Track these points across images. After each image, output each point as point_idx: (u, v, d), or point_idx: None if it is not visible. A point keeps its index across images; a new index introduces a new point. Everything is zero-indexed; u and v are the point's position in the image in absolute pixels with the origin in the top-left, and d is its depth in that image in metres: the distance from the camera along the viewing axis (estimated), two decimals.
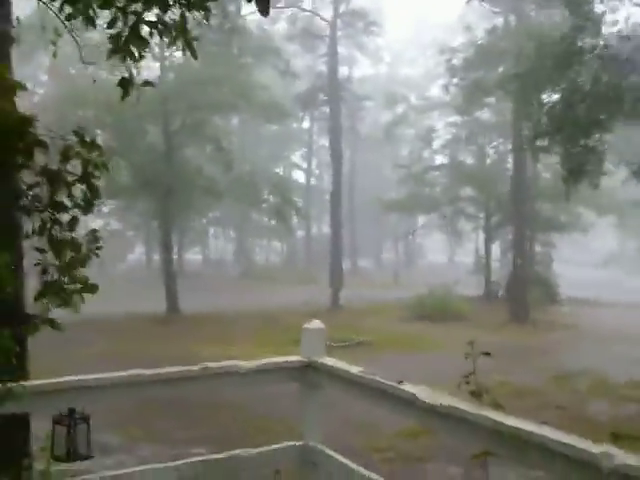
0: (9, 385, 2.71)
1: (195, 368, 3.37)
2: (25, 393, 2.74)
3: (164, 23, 3.36)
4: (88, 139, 2.66)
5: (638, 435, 2.22)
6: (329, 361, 3.54)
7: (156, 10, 3.36)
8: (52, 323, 2.66)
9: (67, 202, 2.63)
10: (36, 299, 2.66)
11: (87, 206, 2.66)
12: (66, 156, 2.59)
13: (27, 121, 2.53)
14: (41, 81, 34.19)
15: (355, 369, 3.32)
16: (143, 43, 3.39)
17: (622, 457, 1.98)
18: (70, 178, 2.60)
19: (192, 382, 3.40)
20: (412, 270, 52.10)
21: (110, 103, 21.91)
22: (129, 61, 3.45)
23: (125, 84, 3.43)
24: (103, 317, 18.30)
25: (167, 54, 25.45)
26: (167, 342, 16.82)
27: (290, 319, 18.01)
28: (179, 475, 3.28)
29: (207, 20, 3.53)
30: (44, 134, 2.61)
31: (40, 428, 3.95)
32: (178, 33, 3.40)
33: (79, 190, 2.67)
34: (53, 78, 28.91)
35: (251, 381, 3.74)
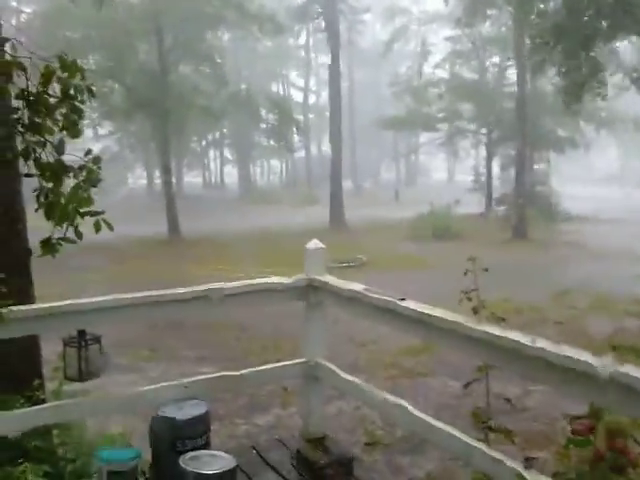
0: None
1: (200, 289, 3.40)
2: (7, 318, 2.77)
3: None
4: (70, 61, 2.59)
5: (637, 348, 2.25)
6: (330, 279, 3.57)
7: None
8: (70, 240, 2.67)
9: (52, 126, 2.59)
10: (48, 218, 2.67)
11: (72, 128, 2.63)
12: (47, 79, 2.54)
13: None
14: None
15: (357, 286, 3.35)
16: None
17: (620, 367, 2.02)
18: (52, 101, 2.55)
19: (197, 303, 3.43)
20: (413, 189, 51.96)
21: (99, 21, 21.38)
22: None
23: None
24: (105, 241, 18.35)
25: None
26: (169, 264, 16.98)
27: (291, 240, 18.10)
28: (188, 392, 3.36)
29: None
30: (24, 56, 2.55)
31: (53, 352, 4.05)
32: None
33: (61, 114, 2.63)
34: None
35: (253, 301, 3.79)
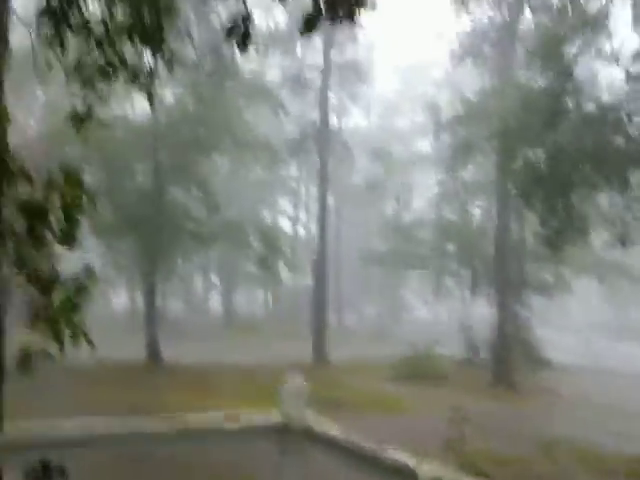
0: None
1: (172, 426, 3.24)
2: None
3: (125, 62, 3.35)
4: (71, 175, 2.59)
5: None
6: (308, 421, 3.42)
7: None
8: (49, 355, 2.56)
9: (48, 236, 2.55)
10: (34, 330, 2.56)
11: (67, 238, 2.58)
12: (49, 189, 2.52)
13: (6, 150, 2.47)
14: (37, 116, 34.20)
15: (335, 431, 3.20)
16: (106, 77, 3.37)
17: None
18: (50, 211, 2.52)
19: (169, 439, 3.25)
20: (397, 326, 51.80)
21: (98, 141, 21.98)
22: (96, 93, 3.43)
23: (76, 118, 3.39)
24: (81, 363, 17.93)
25: (159, 93, 25.58)
26: (145, 391, 16.48)
27: (271, 374, 17.71)
28: None
29: (170, 70, 3.53)
30: (27, 166, 2.54)
31: None
32: (136, 73, 3.39)
33: (59, 225, 2.59)
34: (47, 113, 28.97)
35: (227, 439, 3.61)
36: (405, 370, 23.49)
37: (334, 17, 2.71)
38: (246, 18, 2.90)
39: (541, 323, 35.65)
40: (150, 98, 3.56)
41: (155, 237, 24.43)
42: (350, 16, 2.72)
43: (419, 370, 23.24)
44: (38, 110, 32.42)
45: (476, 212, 36.16)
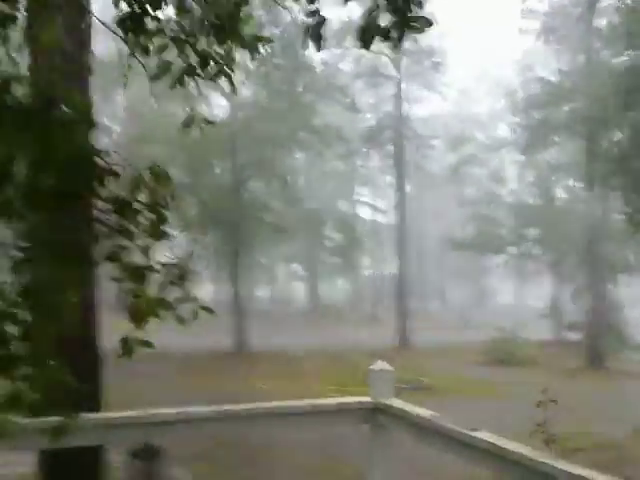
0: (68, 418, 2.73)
1: (263, 406, 3.36)
2: (74, 426, 2.75)
3: (209, 56, 3.43)
4: (160, 173, 2.73)
5: None
6: (397, 403, 3.46)
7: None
8: (146, 343, 2.69)
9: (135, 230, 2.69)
10: (131, 320, 2.70)
11: (156, 233, 2.72)
12: (136, 186, 2.66)
13: (97, 151, 2.61)
14: (121, 119, 35.40)
15: (425, 413, 3.23)
16: (193, 74, 3.47)
17: None
18: (139, 207, 2.66)
19: (259, 420, 3.37)
20: (480, 312, 51.09)
21: (180, 140, 22.72)
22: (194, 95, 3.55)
23: (188, 122, 3.52)
24: (172, 351, 18.55)
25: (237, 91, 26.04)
26: (234, 378, 16.90)
27: (356, 359, 17.88)
28: None
29: (253, 58, 3.60)
30: (116, 164, 2.68)
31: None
32: (221, 66, 3.46)
33: (147, 220, 2.73)
34: (129, 116, 29.97)
35: (317, 422, 3.71)
36: (492, 354, 23.17)
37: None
38: (318, 15, 2.92)
39: (633, 305, 34.46)
40: (231, 80, 3.64)
41: (236, 230, 25.06)
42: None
43: (507, 354, 22.87)
44: (122, 112, 33.57)
45: (559, 194, 35.18)
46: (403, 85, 33.07)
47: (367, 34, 2.69)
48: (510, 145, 36.11)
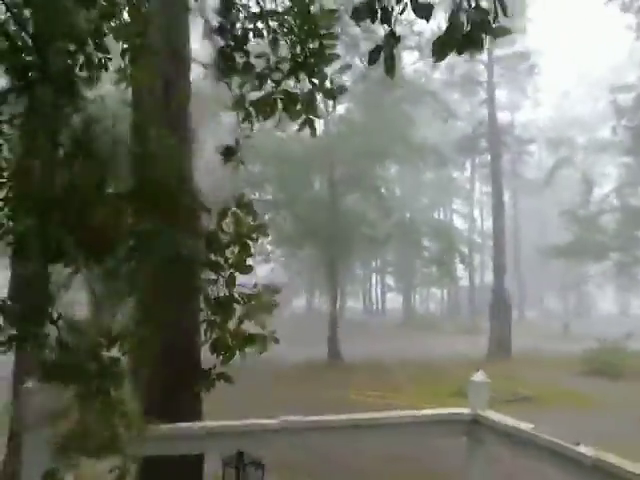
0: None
1: (362, 417, 3.39)
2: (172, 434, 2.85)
3: (293, 96, 3.51)
4: (244, 201, 2.82)
5: None
6: (496, 416, 3.42)
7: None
8: (226, 378, 2.83)
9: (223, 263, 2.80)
10: (212, 352, 2.84)
11: (241, 266, 2.82)
12: (222, 219, 2.76)
13: (185, 188, 2.73)
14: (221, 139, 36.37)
15: (525, 426, 3.18)
16: (273, 108, 3.56)
17: None
18: (224, 239, 2.77)
19: (357, 431, 3.40)
20: (582, 321, 49.29)
21: (277, 157, 23.28)
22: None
23: (228, 152, 3.61)
24: (268, 362, 18.85)
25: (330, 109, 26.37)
26: (329, 388, 16.99)
27: (452, 370, 17.63)
28: None
29: (340, 94, 3.65)
30: (203, 197, 2.80)
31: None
32: (303, 108, 3.53)
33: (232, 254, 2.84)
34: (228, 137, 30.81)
35: (415, 433, 3.70)
36: (593, 365, 22.21)
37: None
38: (391, 40, 2.90)
39: None
40: (311, 125, 3.72)
41: (333, 242, 25.30)
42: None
43: (609, 365, 21.88)
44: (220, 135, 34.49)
45: None
46: (498, 91, 32.45)
47: (442, 48, 2.69)
48: (612, 148, 34.82)
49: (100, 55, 2.77)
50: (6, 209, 2.49)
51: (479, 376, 3.56)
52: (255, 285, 2.97)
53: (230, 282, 2.86)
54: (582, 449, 2.73)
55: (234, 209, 2.84)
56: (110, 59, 2.82)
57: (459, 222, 58.69)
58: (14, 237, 2.45)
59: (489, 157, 31.74)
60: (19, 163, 2.39)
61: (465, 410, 3.49)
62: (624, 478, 2.49)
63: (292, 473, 8.42)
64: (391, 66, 2.88)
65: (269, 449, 3.85)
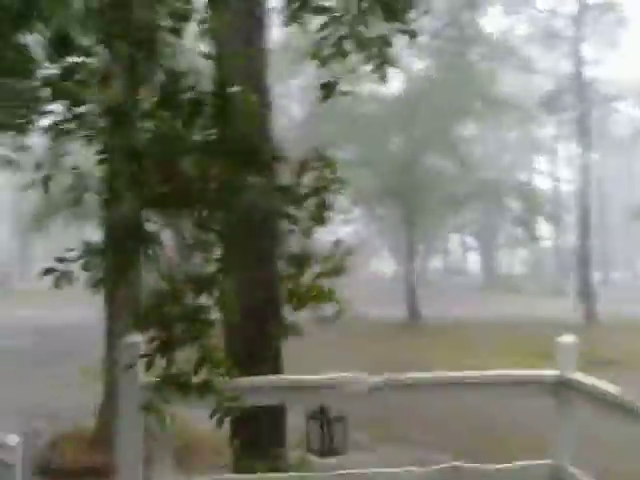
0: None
1: (451, 375, 3.37)
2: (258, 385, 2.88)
3: (363, 40, 3.41)
4: (325, 158, 2.79)
5: None
6: (585, 379, 3.33)
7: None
8: (296, 330, 2.84)
9: (298, 214, 2.78)
10: (287, 303, 2.85)
11: (320, 218, 2.80)
12: (301, 172, 2.74)
13: (265, 141, 2.72)
14: (298, 98, 36.29)
15: (613, 389, 3.09)
16: (344, 54, 3.48)
17: None
18: (302, 192, 2.75)
19: (446, 389, 3.39)
20: None
21: (356, 116, 23.10)
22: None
23: (328, 88, 3.54)
24: (347, 320, 18.96)
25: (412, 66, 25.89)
26: (409, 348, 17.01)
27: (534, 331, 17.32)
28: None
29: (413, 37, 3.52)
30: (283, 151, 2.78)
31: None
32: (376, 51, 3.42)
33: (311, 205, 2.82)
34: (306, 95, 30.69)
35: (500, 393, 3.66)
36: None
37: None
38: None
39: None
40: (383, 74, 3.61)
41: (412, 202, 25.05)
42: None
43: None
44: (299, 92, 34.45)
45: None
46: (584, 45, 30.94)
47: None
48: None
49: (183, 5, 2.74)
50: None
51: (566, 338, 3.48)
52: (337, 242, 2.95)
53: (307, 233, 2.85)
54: None
55: (314, 163, 2.81)
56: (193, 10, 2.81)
57: (543, 182, 56.97)
58: (109, 183, 2.52)
59: (575, 114, 30.50)
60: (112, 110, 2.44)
61: (552, 372, 3.41)
62: None
63: (373, 426, 8.50)
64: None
65: (349, 404, 3.89)
